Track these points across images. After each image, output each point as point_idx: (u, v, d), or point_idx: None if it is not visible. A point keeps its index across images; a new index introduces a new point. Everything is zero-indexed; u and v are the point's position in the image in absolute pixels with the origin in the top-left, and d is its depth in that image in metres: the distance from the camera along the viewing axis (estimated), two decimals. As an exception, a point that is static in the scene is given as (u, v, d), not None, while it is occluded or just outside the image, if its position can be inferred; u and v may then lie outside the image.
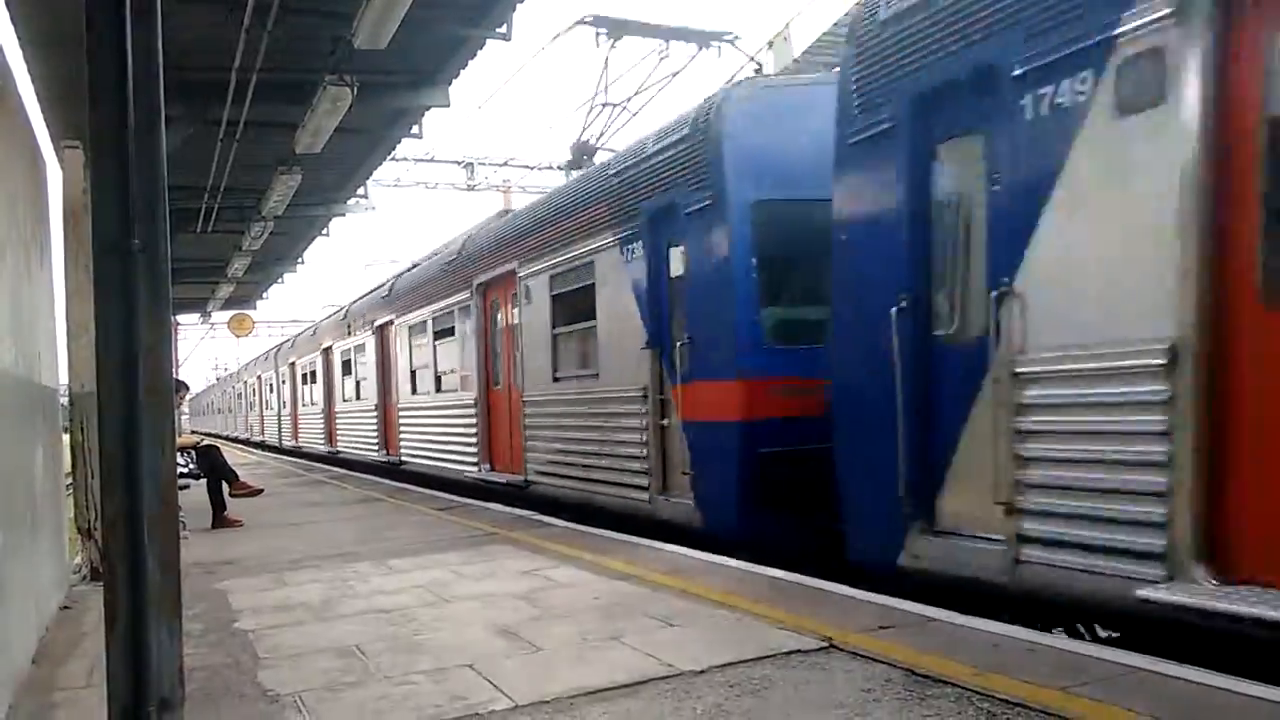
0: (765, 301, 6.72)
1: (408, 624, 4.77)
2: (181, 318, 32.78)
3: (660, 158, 7.52)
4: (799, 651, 3.89)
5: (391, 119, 12.31)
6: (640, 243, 7.78)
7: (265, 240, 16.97)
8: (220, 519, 9.51)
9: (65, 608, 5.65)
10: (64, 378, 6.48)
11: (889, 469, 4.99)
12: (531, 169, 24.85)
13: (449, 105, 11.23)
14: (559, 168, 23.89)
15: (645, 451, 7.74)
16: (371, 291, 18.84)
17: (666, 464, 7.57)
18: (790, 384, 6.47)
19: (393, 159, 16.72)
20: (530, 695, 3.47)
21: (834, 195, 5.50)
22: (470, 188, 24.98)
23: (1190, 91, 3.59)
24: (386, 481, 14.63)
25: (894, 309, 4.94)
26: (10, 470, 4.09)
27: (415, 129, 12.82)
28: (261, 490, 11.54)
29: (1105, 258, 3.96)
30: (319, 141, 10.82)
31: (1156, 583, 3.73)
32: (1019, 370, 4.29)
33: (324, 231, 19.61)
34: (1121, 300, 3.88)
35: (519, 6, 9.19)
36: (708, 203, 6.80)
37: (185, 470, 9.57)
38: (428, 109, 11.72)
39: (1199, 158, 3.57)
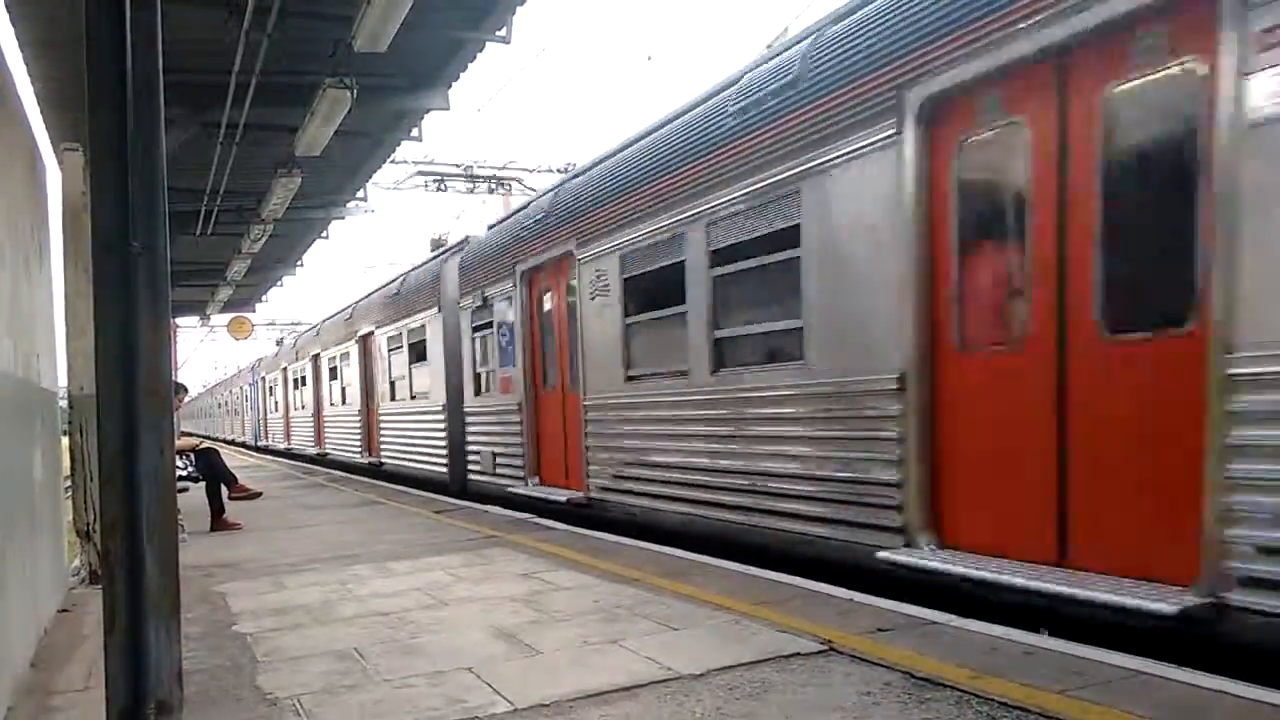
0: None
1: (406, 627, 4.77)
2: (181, 320, 32.79)
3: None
4: (798, 654, 3.89)
5: (391, 122, 12.32)
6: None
7: (264, 243, 16.97)
8: (219, 522, 9.51)
9: (64, 610, 5.65)
10: (63, 380, 6.48)
11: None
12: (531, 171, 24.86)
13: (449, 108, 11.24)
14: (557, 171, 23.94)
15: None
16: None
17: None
18: None
19: (392, 161, 16.74)
20: (529, 698, 3.47)
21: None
22: (470, 190, 24.98)
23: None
24: (386, 485, 14.63)
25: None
26: (9, 472, 4.09)
27: (415, 131, 12.83)
28: (260, 493, 11.54)
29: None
30: (319, 144, 10.83)
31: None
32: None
33: (323, 234, 19.61)
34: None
35: (518, 9, 9.20)
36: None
37: (184, 473, 9.58)
38: (428, 111, 11.73)
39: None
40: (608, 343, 8.54)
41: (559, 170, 23.89)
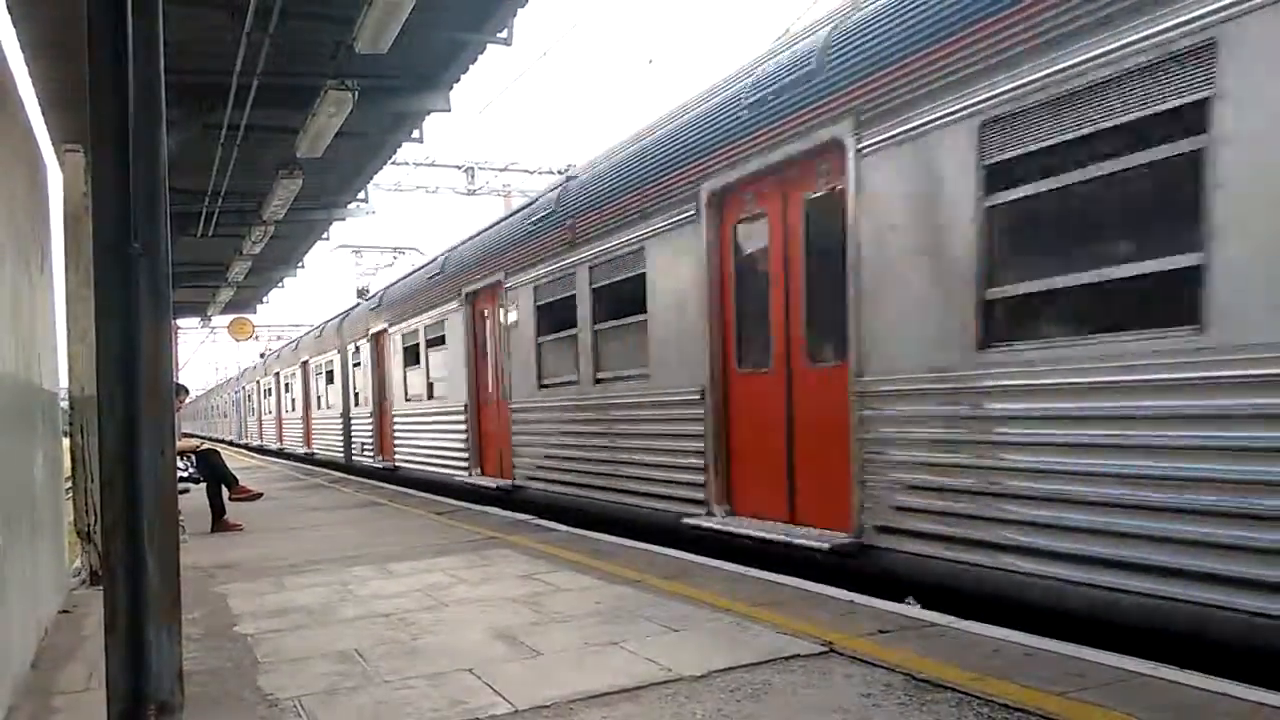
0: None
1: (407, 628, 4.77)
2: (181, 321, 32.80)
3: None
4: (799, 656, 3.89)
5: (392, 123, 12.32)
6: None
7: (266, 244, 16.98)
8: (220, 523, 9.51)
9: (65, 611, 5.65)
10: (64, 381, 6.49)
11: None
12: (532, 173, 24.88)
13: (450, 110, 11.24)
14: (558, 172, 23.95)
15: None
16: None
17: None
18: None
19: (393, 163, 16.74)
20: (530, 700, 3.47)
21: None
22: (471, 192, 25.00)
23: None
24: (386, 486, 14.64)
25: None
26: (10, 473, 4.09)
27: (416, 133, 12.83)
28: (261, 494, 11.54)
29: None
30: (320, 145, 10.83)
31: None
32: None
33: (324, 235, 19.61)
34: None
35: (520, 11, 9.20)
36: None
37: (185, 474, 9.58)
38: (428, 113, 11.72)
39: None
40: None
41: (559, 172, 23.90)
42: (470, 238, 12.88)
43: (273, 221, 15.03)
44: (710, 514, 6.98)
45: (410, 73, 10.51)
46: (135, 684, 2.09)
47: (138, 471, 2.13)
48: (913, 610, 4.60)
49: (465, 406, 12.43)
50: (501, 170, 25.06)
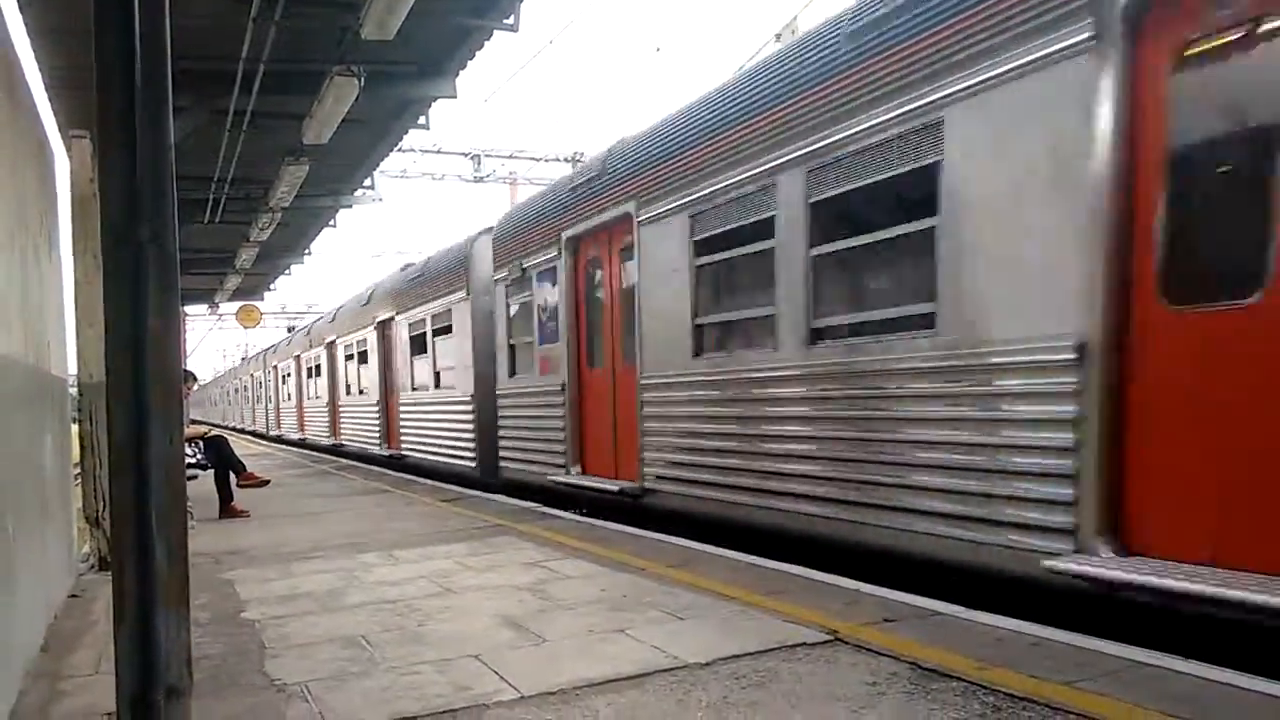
0: None
1: (413, 614, 4.79)
2: (189, 308, 32.87)
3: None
4: (804, 644, 3.90)
5: (398, 110, 12.31)
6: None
7: (273, 231, 17.00)
8: (227, 509, 9.55)
9: (74, 596, 5.68)
10: (73, 367, 6.51)
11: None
12: (538, 161, 24.85)
13: (456, 96, 11.23)
14: (566, 160, 23.92)
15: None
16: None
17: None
18: None
19: (399, 150, 16.73)
20: (536, 686, 3.48)
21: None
22: (477, 179, 24.98)
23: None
24: (392, 473, 14.67)
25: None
26: (19, 459, 4.11)
27: (422, 120, 12.82)
28: (269, 481, 11.59)
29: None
30: (326, 132, 10.83)
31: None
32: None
33: (331, 223, 19.63)
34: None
35: (526, -3, 9.17)
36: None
37: (193, 461, 9.61)
38: (434, 100, 11.72)
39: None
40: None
41: (567, 160, 23.87)
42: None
43: (280, 208, 15.04)
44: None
45: (416, 59, 10.50)
46: (144, 668, 2.10)
47: (146, 457, 2.13)
48: (917, 599, 4.60)
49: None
50: (508, 158, 25.04)
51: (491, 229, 12.08)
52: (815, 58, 6.06)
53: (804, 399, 6.14)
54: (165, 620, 2.12)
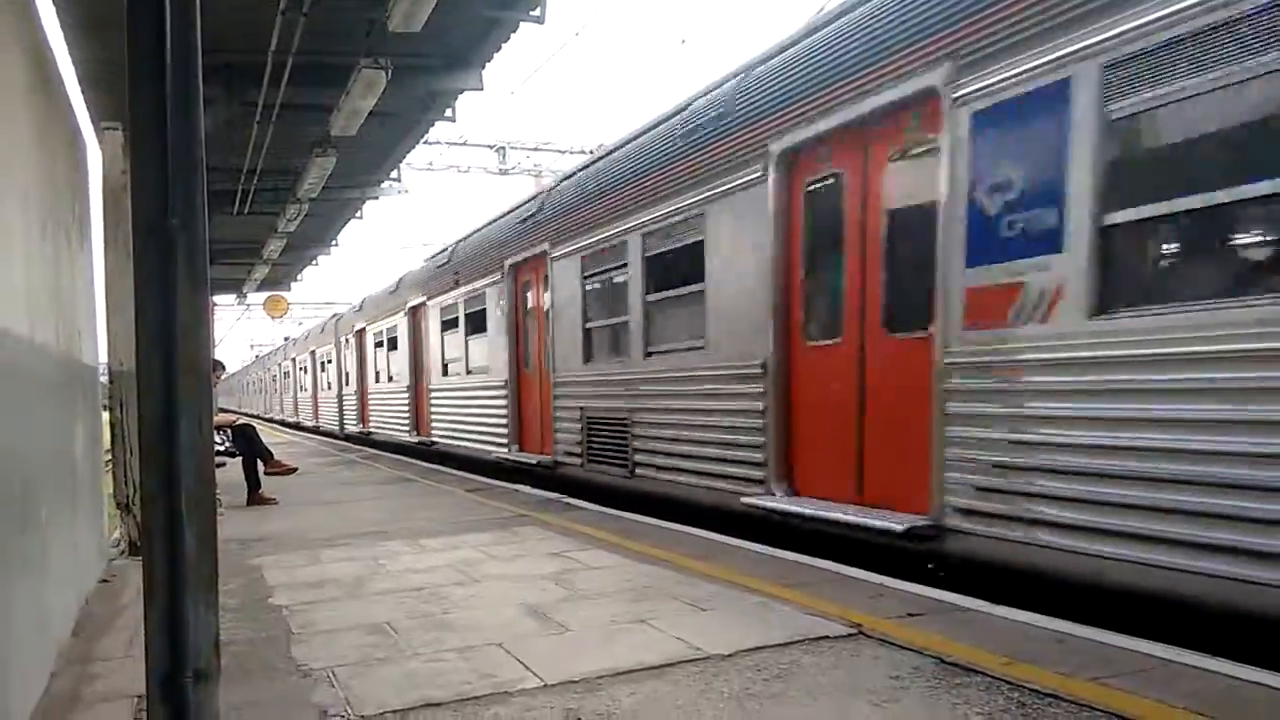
0: None
1: (438, 602, 4.83)
2: (218, 298, 33.12)
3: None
4: (827, 637, 3.89)
5: (425, 103, 12.31)
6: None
7: (300, 222, 17.10)
8: (255, 496, 9.66)
9: (104, 581, 5.78)
10: (104, 356, 6.59)
11: None
12: (564, 153, 24.85)
13: (482, 89, 11.21)
14: (590, 152, 23.90)
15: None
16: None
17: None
18: None
19: (426, 143, 16.77)
20: (558, 675, 3.50)
21: None
22: (502, 172, 25.02)
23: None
24: (418, 462, 14.77)
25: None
26: (52, 446, 4.18)
27: (449, 113, 12.84)
28: (296, 469, 11.71)
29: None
30: (353, 124, 10.86)
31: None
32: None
33: (358, 214, 19.72)
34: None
35: (552, -11, 9.15)
36: None
37: (222, 448, 9.72)
38: (461, 92, 11.71)
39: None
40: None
41: (590, 152, 23.84)
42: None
43: (307, 200, 15.11)
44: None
45: (443, 51, 10.50)
46: (173, 652, 2.13)
47: (176, 445, 2.16)
48: (943, 593, 4.58)
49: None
50: (533, 150, 25.05)
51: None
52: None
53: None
54: (194, 605, 2.15)
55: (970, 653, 3.59)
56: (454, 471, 12.89)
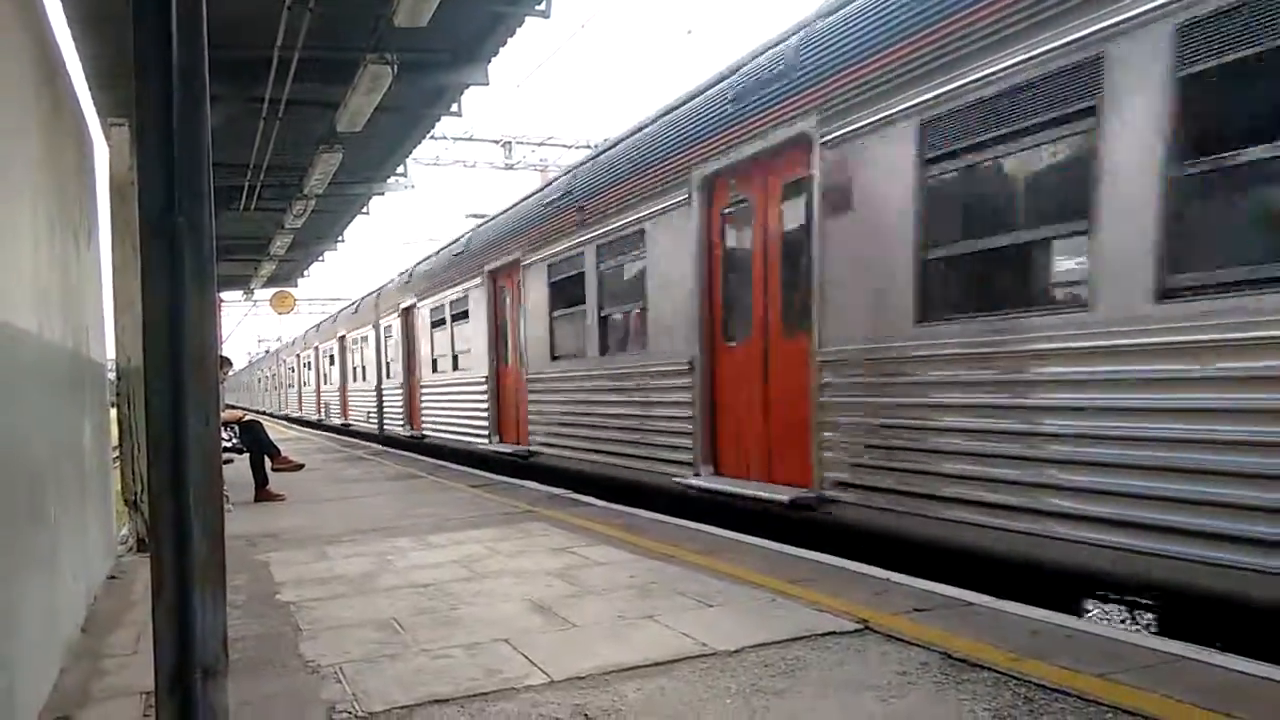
0: None
1: (445, 598, 4.83)
2: (225, 294, 33.20)
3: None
4: (833, 633, 3.89)
5: (431, 98, 12.32)
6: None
7: (307, 218, 17.13)
8: (262, 493, 9.68)
9: (113, 577, 5.79)
10: (111, 352, 6.61)
11: None
12: (569, 148, 24.84)
13: (488, 83, 11.22)
14: (595, 147, 23.86)
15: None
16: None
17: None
18: None
19: (432, 138, 16.77)
20: (565, 671, 3.51)
21: None
22: (508, 167, 25.03)
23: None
24: (425, 459, 14.80)
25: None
26: (60, 442, 4.19)
27: (454, 107, 12.84)
28: (303, 465, 11.74)
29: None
30: (360, 120, 10.87)
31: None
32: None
33: (364, 210, 19.75)
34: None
35: (558, -17, 9.13)
36: None
37: (229, 445, 9.75)
38: (467, 87, 11.72)
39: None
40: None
41: (596, 146, 23.80)
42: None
43: (313, 195, 15.15)
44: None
45: (449, 46, 10.51)
46: (181, 648, 2.13)
47: (183, 441, 2.16)
48: (950, 589, 4.57)
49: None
50: (539, 145, 25.06)
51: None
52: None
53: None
54: (202, 601, 2.15)
55: (977, 648, 3.58)
56: (457, 467, 12.91)
